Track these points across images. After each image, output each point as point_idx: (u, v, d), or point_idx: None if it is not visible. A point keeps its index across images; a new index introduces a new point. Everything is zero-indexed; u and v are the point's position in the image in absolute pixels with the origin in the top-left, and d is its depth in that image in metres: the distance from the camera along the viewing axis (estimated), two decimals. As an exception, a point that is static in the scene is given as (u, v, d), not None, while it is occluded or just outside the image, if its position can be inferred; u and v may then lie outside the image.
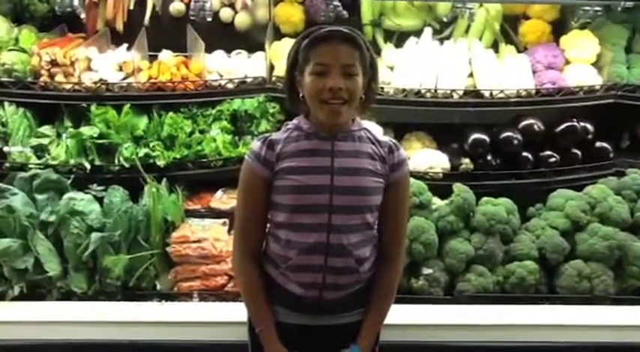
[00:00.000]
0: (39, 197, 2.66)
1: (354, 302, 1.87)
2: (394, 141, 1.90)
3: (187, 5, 3.15)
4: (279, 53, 3.06)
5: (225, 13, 3.25)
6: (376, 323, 1.91)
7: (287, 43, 3.09)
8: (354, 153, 1.80)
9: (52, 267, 2.56)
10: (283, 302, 1.86)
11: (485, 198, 2.75)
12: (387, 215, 1.87)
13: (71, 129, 2.88)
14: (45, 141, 2.89)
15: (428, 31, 3.19)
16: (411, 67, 3.03)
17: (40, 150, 2.89)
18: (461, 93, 2.99)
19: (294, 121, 1.87)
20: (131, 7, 3.21)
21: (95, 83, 2.89)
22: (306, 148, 1.79)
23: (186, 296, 2.61)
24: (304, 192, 1.77)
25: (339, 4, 3.05)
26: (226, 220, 2.82)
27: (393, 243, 1.90)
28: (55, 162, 2.82)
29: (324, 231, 1.77)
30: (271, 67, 3.05)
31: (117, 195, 2.72)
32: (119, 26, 3.21)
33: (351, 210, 1.78)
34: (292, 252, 1.80)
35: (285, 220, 1.80)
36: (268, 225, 1.89)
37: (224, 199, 2.97)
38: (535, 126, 3.06)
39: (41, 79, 2.89)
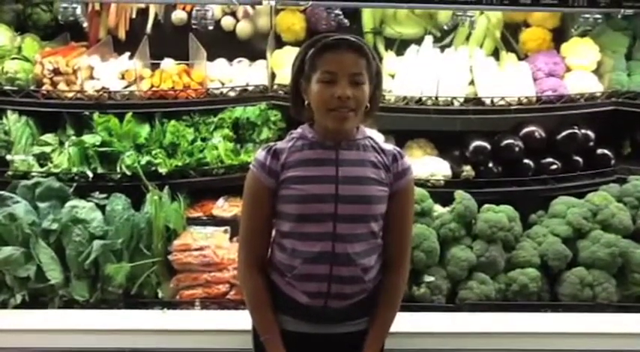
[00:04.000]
0: (41, 205, 2.65)
1: (360, 311, 1.87)
2: (398, 149, 1.90)
3: (189, 14, 3.17)
4: (280, 61, 3.08)
5: (227, 22, 3.26)
6: (381, 332, 1.91)
7: (288, 52, 3.10)
8: (358, 162, 1.81)
9: (54, 275, 2.56)
10: (288, 310, 1.86)
11: (486, 206, 2.75)
12: (391, 223, 1.87)
13: (73, 138, 2.89)
14: (47, 149, 2.90)
15: (429, 39, 3.21)
16: (412, 75, 3.04)
17: (42, 159, 2.89)
18: (462, 100, 2.99)
19: (299, 130, 1.87)
20: (133, 16, 3.23)
21: (97, 91, 2.90)
22: (311, 157, 1.80)
23: (188, 304, 2.61)
24: (309, 202, 1.77)
25: (340, 12, 3.06)
26: (228, 228, 2.82)
27: (397, 251, 1.90)
28: (57, 171, 2.82)
29: (329, 240, 1.77)
30: (273, 75, 3.07)
31: (119, 203, 2.72)
32: (121, 35, 3.23)
33: (355, 219, 1.79)
34: (297, 261, 1.80)
35: (291, 229, 1.81)
36: (273, 234, 1.89)
37: (226, 207, 2.97)
38: (536, 134, 3.07)
39: (44, 87, 2.90)
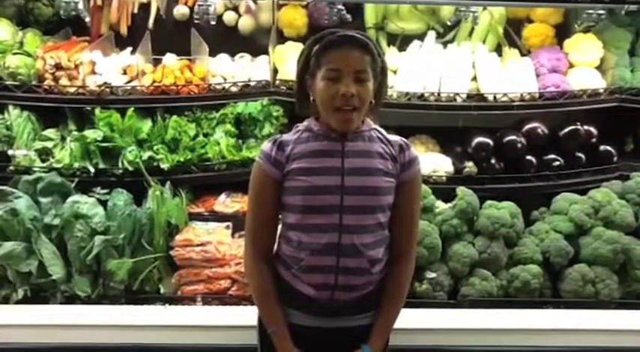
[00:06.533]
0: (43, 200, 2.66)
1: (367, 304, 1.87)
2: (405, 140, 1.89)
3: (191, 9, 3.17)
4: (282, 57, 3.07)
5: (229, 17, 3.25)
6: (386, 326, 1.91)
7: (290, 47, 3.10)
8: (364, 153, 1.80)
9: (56, 271, 2.56)
10: (295, 303, 1.86)
11: (489, 202, 2.75)
12: (398, 214, 1.86)
13: (75, 133, 2.88)
14: (49, 144, 2.90)
15: (431, 35, 3.20)
16: (414, 71, 3.04)
17: (44, 154, 2.89)
18: (464, 96, 2.99)
19: (305, 123, 1.87)
20: (135, 11, 3.23)
21: (99, 86, 2.90)
22: (316, 149, 1.80)
23: (189, 299, 2.61)
24: (314, 193, 1.77)
25: (342, 7, 3.05)
26: (230, 224, 2.82)
27: (404, 242, 1.90)
28: (59, 166, 2.82)
29: (335, 231, 1.77)
30: (275, 71, 3.06)
31: (121, 198, 2.72)
32: (123, 30, 3.22)
33: (362, 211, 1.78)
34: (304, 253, 1.80)
35: (297, 221, 1.80)
36: (280, 227, 1.90)
37: (228, 202, 2.97)
38: (539, 130, 3.06)
39: (45, 82, 2.90)
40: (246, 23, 3.26)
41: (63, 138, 2.94)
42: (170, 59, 3.04)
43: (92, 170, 2.83)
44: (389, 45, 3.25)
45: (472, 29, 3.24)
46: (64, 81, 2.90)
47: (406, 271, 1.92)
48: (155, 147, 2.89)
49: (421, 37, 3.21)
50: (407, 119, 3.08)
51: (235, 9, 3.27)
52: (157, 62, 3.07)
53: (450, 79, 2.99)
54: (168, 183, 2.81)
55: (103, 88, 2.90)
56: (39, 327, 2.46)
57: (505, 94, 2.97)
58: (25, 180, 2.71)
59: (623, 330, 2.50)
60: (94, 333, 2.46)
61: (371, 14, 3.24)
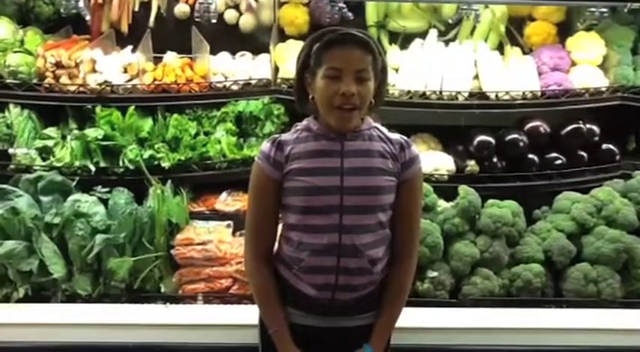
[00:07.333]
0: (44, 199, 2.65)
1: (368, 304, 1.86)
2: (405, 138, 1.88)
3: (192, 7, 3.16)
4: (283, 55, 3.06)
5: (230, 15, 3.25)
6: (389, 324, 1.90)
7: (291, 45, 3.09)
8: (364, 152, 1.79)
9: (57, 269, 2.56)
10: (296, 303, 1.86)
11: (490, 201, 2.74)
12: (399, 213, 1.85)
13: (76, 131, 2.88)
14: (50, 142, 2.89)
15: (433, 33, 3.18)
16: (416, 69, 3.03)
17: (44, 152, 2.88)
18: (466, 95, 2.98)
19: (304, 122, 1.87)
20: (136, 9, 3.22)
21: (100, 85, 2.89)
22: (315, 149, 1.79)
23: (190, 298, 2.60)
24: (314, 194, 1.76)
25: (344, 5, 3.05)
26: (231, 222, 2.82)
27: (406, 241, 1.88)
28: (59, 164, 2.81)
29: (335, 231, 1.76)
30: (276, 69, 3.06)
31: (121, 197, 2.72)
32: (124, 28, 3.21)
33: (362, 210, 1.77)
34: (304, 254, 1.80)
35: (297, 222, 1.80)
36: (281, 227, 1.89)
37: (229, 201, 2.97)
38: (541, 128, 3.06)
39: (46, 80, 2.90)
40: (247, 21, 3.25)
41: (64, 137, 2.93)
42: (171, 57, 3.04)
43: (93, 169, 2.82)
44: (390, 43, 3.24)
45: (474, 27, 3.22)
46: (64, 79, 2.90)
47: (408, 270, 1.91)
48: (156, 146, 2.89)
49: (423, 35, 3.19)
50: (409, 117, 3.07)
51: (236, 7, 3.26)
52: (157, 60, 3.07)
53: (451, 77, 2.98)
54: (169, 181, 2.80)
55: (103, 86, 2.89)
56: (40, 326, 2.46)
57: (507, 93, 2.97)
58: (26, 179, 2.70)
59: (626, 330, 2.49)
60: (95, 332, 2.45)
61: (372, 12, 3.23)
